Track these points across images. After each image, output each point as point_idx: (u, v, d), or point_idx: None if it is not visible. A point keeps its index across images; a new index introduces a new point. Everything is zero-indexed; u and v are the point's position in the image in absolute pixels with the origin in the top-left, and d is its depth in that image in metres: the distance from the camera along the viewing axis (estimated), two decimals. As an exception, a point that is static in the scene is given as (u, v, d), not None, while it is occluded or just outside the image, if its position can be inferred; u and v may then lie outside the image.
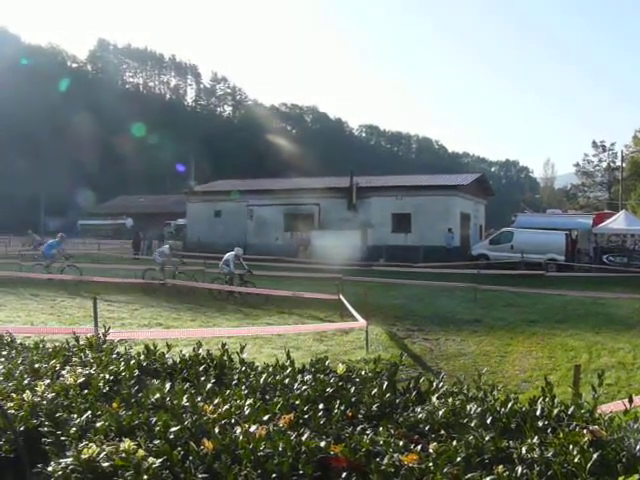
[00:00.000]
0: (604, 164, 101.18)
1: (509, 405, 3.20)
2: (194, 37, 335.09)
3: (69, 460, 2.50)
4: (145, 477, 2.38)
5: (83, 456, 2.49)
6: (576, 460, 2.46)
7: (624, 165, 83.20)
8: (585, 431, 2.73)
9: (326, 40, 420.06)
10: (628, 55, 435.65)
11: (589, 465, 2.41)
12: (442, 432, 2.94)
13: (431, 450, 2.61)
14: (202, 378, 3.90)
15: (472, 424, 2.98)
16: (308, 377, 3.80)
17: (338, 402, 3.27)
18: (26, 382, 3.82)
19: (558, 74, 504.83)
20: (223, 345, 4.42)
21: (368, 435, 2.77)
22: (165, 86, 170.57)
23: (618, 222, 43.33)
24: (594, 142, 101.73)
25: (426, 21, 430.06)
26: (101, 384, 3.65)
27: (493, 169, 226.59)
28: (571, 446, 2.59)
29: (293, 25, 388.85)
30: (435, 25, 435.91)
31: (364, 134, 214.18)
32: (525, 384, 11.71)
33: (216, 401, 3.28)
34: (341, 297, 18.23)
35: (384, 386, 3.52)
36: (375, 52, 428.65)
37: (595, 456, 2.47)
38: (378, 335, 16.23)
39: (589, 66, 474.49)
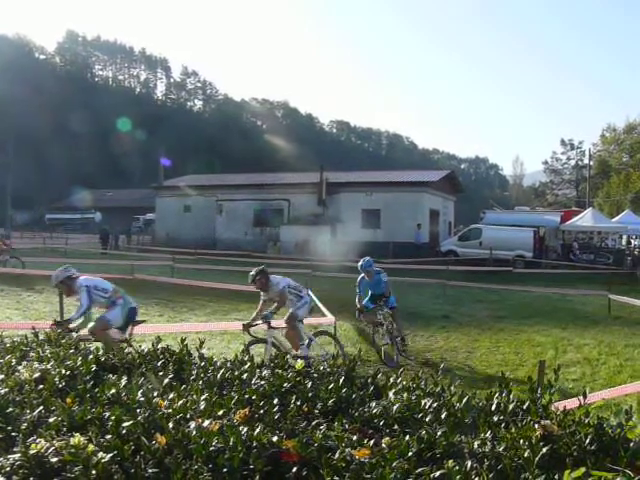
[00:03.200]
0: (572, 162, 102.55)
1: (465, 400, 3.22)
2: (164, 30, 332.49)
3: (17, 455, 2.47)
4: (94, 472, 2.36)
5: (31, 451, 2.46)
6: (526, 454, 2.48)
7: (592, 163, 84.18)
8: (537, 426, 2.76)
9: (297, 35, 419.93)
10: (599, 54, 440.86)
11: (537, 459, 2.43)
12: (396, 427, 2.95)
13: (384, 445, 2.62)
14: (160, 373, 3.88)
15: (426, 419, 2.99)
16: (266, 372, 3.80)
17: (294, 397, 3.27)
18: (-21, 378, 3.77)
19: (528, 72, 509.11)
20: (182, 340, 4.41)
21: (322, 430, 2.77)
22: (135, 79, 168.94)
23: (585, 219, 43.92)
24: (562, 140, 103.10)
25: (396, 18, 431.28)
26: (57, 379, 3.61)
27: (463, 166, 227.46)
28: (522, 440, 2.61)
29: (264, 20, 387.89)
30: (405, 22, 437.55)
31: (335, 130, 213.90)
32: (492, 380, 11.75)
33: (171, 396, 3.27)
34: (310, 292, 18.20)
35: (341, 381, 3.53)
36: (346, 48, 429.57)
37: (545, 450, 2.50)
38: (347, 331, 16.28)
39: (559, 64, 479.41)
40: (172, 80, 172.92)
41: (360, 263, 14.57)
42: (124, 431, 2.72)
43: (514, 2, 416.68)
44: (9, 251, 29.51)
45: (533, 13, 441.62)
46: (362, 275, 14.52)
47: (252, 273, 12.12)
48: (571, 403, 4.52)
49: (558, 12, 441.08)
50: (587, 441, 2.64)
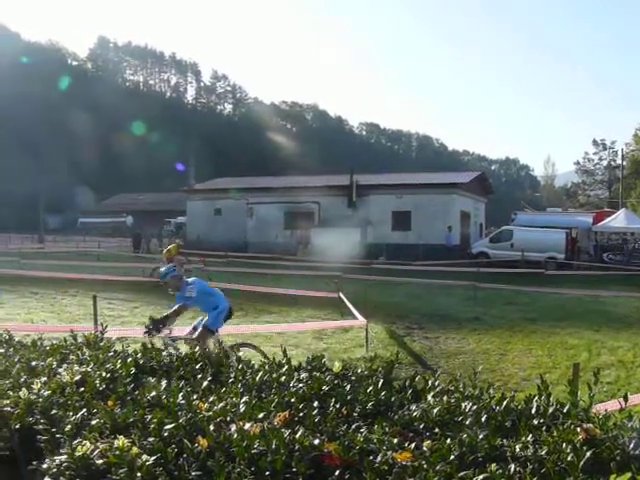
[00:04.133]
0: (604, 162, 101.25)
1: (504, 403, 3.21)
2: (194, 35, 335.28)
3: (63, 457, 2.51)
4: (139, 474, 2.39)
5: (77, 453, 2.50)
6: (569, 458, 2.46)
7: (624, 163, 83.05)
8: (579, 429, 2.73)
9: (326, 38, 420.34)
10: (629, 54, 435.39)
11: (581, 463, 2.42)
12: (437, 430, 2.95)
13: (425, 448, 2.62)
14: (199, 376, 3.91)
15: (467, 422, 2.99)
16: (304, 375, 3.81)
17: (333, 400, 3.28)
18: (22, 380, 3.83)
19: (559, 72, 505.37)
20: (220, 343, 4.43)
21: (362, 433, 2.78)
22: (165, 84, 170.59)
23: (618, 220, 43.36)
24: (594, 140, 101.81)
25: (426, 20, 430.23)
26: (97, 382, 3.66)
27: (493, 167, 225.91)
28: (565, 444, 2.59)
29: (293, 22, 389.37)
30: (436, 24, 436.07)
31: (364, 132, 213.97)
32: (525, 382, 11.68)
33: (211, 399, 3.29)
34: (341, 295, 18.22)
35: (380, 384, 3.54)
36: (375, 50, 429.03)
37: (588, 454, 2.47)
38: (378, 333, 16.23)
39: (590, 64, 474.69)
40: (202, 84, 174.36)
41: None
42: (166, 434, 2.75)
43: (541, 6, 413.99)
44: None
45: (559, 14, 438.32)
46: None
47: None
48: (609, 406, 4.48)
49: (585, 13, 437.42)
50: (631, 445, 2.61)
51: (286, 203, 47.37)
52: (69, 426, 2.91)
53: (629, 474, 2.23)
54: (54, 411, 3.10)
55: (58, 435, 2.87)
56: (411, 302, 22.65)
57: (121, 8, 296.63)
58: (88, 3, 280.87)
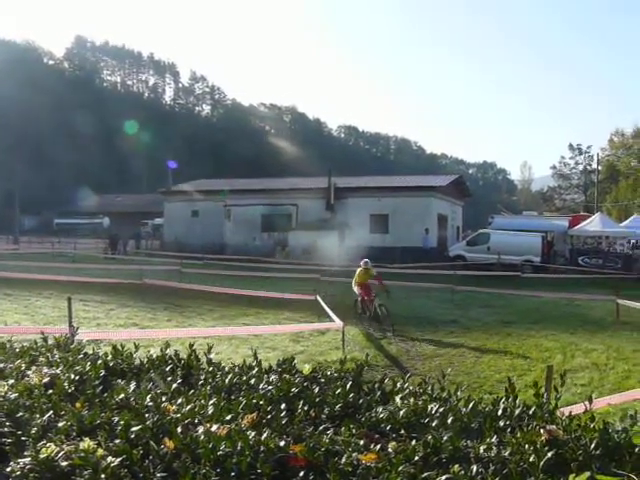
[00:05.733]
0: (580, 167, 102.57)
1: (471, 405, 3.23)
2: (172, 35, 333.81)
3: (27, 460, 2.49)
4: (103, 476, 2.38)
5: (41, 455, 2.49)
6: (531, 459, 2.50)
7: (600, 168, 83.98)
8: (542, 431, 2.77)
9: (305, 40, 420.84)
10: (607, 58, 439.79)
11: (542, 463, 2.45)
12: (403, 432, 2.97)
13: (390, 449, 2.64)
14: (169, 378, 3.90)
15: (433, 424, 3.01)
16: (274, 377, 3.82)
17: (302, 402, 3.29)
18: (-11, 382, 3.79)
19: (536, 76, 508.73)
20: (191, 345, 4.43)
21: (328, 435, 2.79)
22: (143, 84, 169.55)
23: (594, 224, 43.77)
24: (570, 145, 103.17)
25: (404, 22, 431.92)
26: (66, 384, 3.63)
27: (471, 171, 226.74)
28: (527, 445, 2.62)
29: (272, 24, 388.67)
30: (413, 26, 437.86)
31: (343, 135, 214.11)
32: (500, 385, 11.73)
33: (179, 401, 3.29)
34: (318, 298, 18.23)
35: (348, 386, 3.55)
36: (354, 53, 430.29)
37: (550, 455, 2.51)
38: (355, 336, 16.27)
39: (567, 68, 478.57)
40: (180, 85, 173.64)
41: None
42: (133, 435, 2.75)
43: (522, 6, 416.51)
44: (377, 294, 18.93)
45: (542, 17, 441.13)
46: None
47: None
48: (578, 408, 4.53)
49: (567, 16, 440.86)
50: (592, 446, 2.65)
51: (264, 205, 47.28)
52: (35, 428, 2.89)
53: (588, 473, 2.26)
54: (20, 413, 3.08)
55: (24, 438, 2.85)
56: (388, 305, 22.69)
57: (98, 7, 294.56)
58: (65, 2, 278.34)
